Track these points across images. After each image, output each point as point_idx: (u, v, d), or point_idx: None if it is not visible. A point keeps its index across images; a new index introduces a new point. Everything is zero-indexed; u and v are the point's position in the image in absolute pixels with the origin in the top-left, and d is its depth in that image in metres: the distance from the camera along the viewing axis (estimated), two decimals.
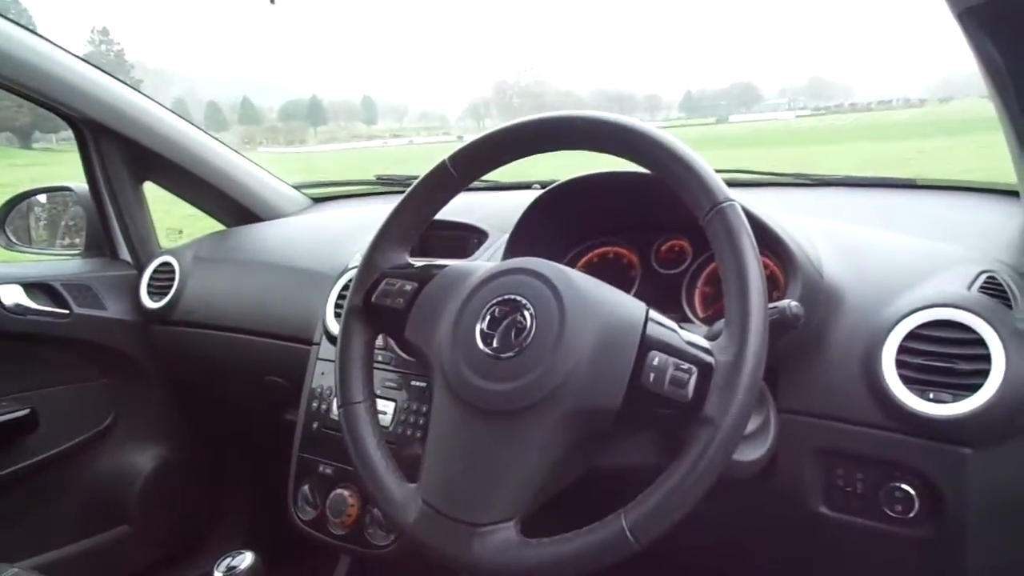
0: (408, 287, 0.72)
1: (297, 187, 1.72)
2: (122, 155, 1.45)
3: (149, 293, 1.44)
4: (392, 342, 1.03)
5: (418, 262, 0.76)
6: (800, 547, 0.85)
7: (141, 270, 1.48)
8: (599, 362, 0.60)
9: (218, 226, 1.60)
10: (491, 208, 1.18)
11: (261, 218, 1.58)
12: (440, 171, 0.74)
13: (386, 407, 1.00)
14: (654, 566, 0.94)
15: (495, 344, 0.63)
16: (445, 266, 0.73)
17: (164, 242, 1.58)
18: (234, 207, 1.57)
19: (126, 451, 1.49)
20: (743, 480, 0.71)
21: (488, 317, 0.65)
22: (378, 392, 1.01)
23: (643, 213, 0.95)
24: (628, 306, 0.64)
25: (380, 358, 1.03)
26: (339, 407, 0.73)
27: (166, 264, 1.45)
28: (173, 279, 1.42)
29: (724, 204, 0.60)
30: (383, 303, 0.73)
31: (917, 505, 0.74)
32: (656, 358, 0.59)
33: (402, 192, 0.77)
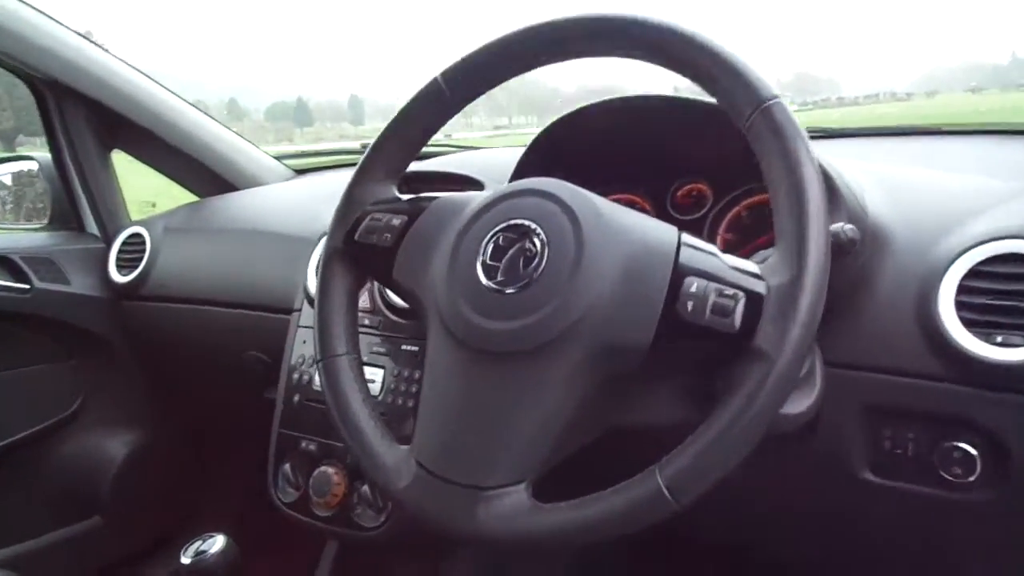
0: (396, 221, 0.63)
1: (278, 158, 1.62)
2: (88, 120, 1.35)
3: (118, 267, 1.34)
4: (380, 303, 0.93)
5: (407, 196, 0.66)
6: (840, 517, 0.76)
7: (109, 243, 1.37)
8: (625, 291, 0.51)
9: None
10: (487, 162, 1.08)
11: (238, 188, 1.48)
12: (430, 90, 0.64)
13: (374, 375, 0.90)
14: (675, 537, 0.85)
15: (500, 277, 0.54)
16: (437, 197, 0.64)
17: (136, 215, 1.48)
18: (209, 177, 1.46)
19: (96, 437, 1.38)
20: (783, 437, 0.62)
21: (491, 246, 0.55)
22: (365, 359, 0.91)
23: (657, 155, 0.86)
24: (657, 229, 0.54)
25: (367, 321, 0.93)
26: (318, 361, 0.63)
27: (136, 236, 1.35)
28: (143, 251, 1.32)
29: (770, 102, 0.50)
30: (367, 241, 0.64)
31: (979, 466, 0.65)
32: (694, 284, 0.50)
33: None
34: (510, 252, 0.54)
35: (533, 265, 0.53)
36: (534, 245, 0.54)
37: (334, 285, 0.65)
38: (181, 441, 1.47)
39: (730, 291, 0.48)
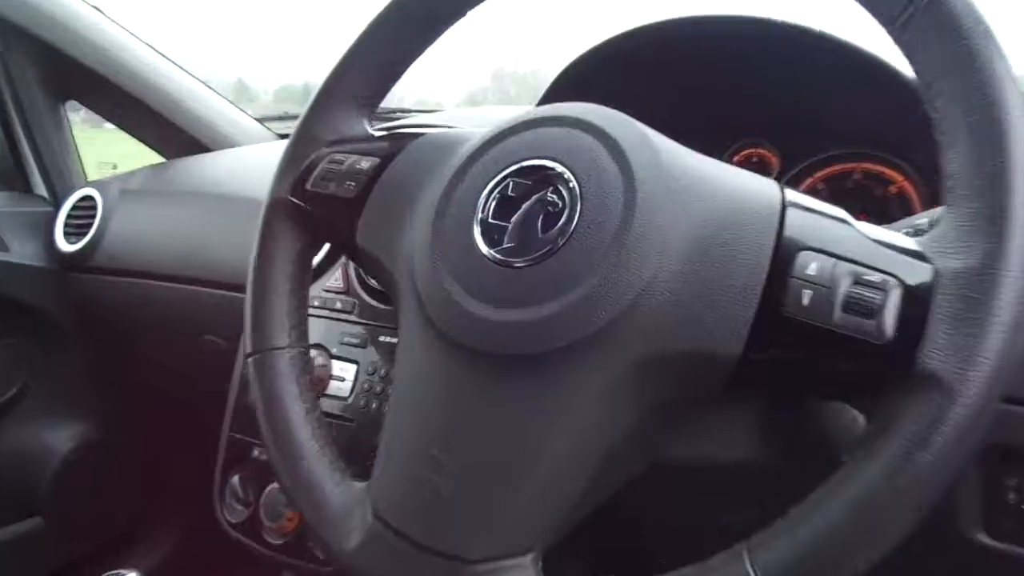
0: (364, 164, 0.45)
1: (261, 120, 1.44)
2: (36, 66, 1.17)
3: (66, 234, 1.16)
4: (356, 282, 0.76)
5: (382, 131, 0.49)
6: None
7: (58, 206, 1.19)
8: (701, 271, 0.33)
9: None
10: (488, 118, 0.90)
11: (210, 151, 1.30)
12: None
13: (345, 371, 0.72)
14: None
15: (507, 243, 0.36)
16: (423, 133, 0.46)
17: (94, 176, 1.31)
18: (177, 136, 1.28)
19: (38, 427, 1.20)
20: None
21: (496, 199, 0.38)
22: (334, 351, 0.74)
23: (718, 105, 0.68)
24: (748, 180, 0.37)
25: (339, 305, 0.76)
26: (248, 355, 0.46)
27: (88, 199, 1.17)
28: (95, 217, 1.14)
29: None
30: (324, 191, 0.46)
31: None
32: (813, 264, 0.32)
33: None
34: (524, 207, 0.37)
35: (558, 227, 0.35)
36: (560, 197, 0.36)
37: (276, 251, 0.48)
38: (133, 436, 1.29)
39: (875, 276, 0.31)
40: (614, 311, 0.33)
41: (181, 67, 1.30)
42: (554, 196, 0.36)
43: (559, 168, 0.37)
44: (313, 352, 0.73)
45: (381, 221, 0.43)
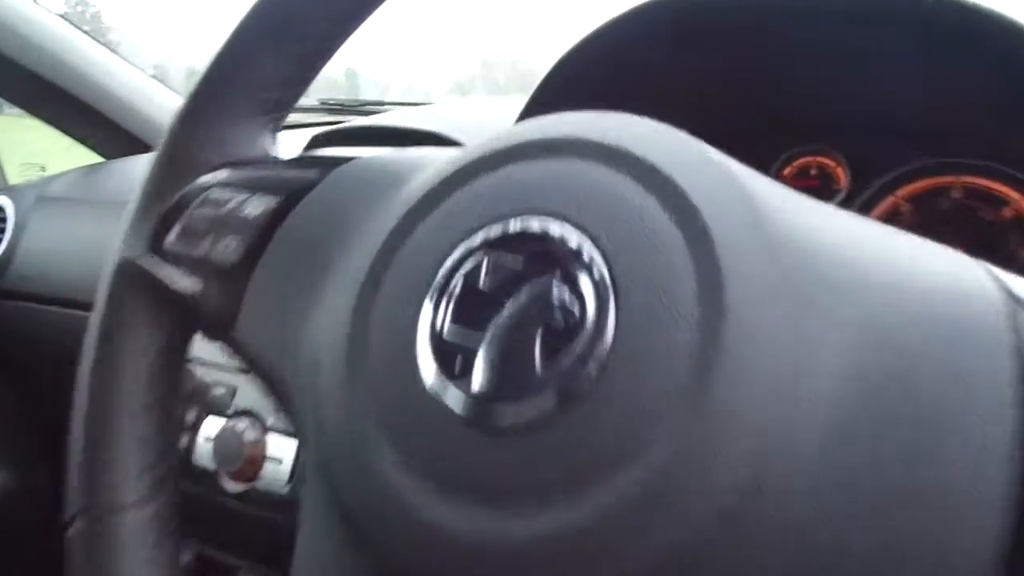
0: (254, 210, 0.29)
1: None
2: None
3: None
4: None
5: (290, 154, 0.32)
6: None
7: None
8: (866, 455, 0.17)
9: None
10: (471, 117, 0.74)
11: (153, 149, 1.13)
12: None
13: (283, 449, 0.56)
14: None
15: (479, 376, 0.19)
16: (352, 158, 0.30)
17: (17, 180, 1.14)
18: (115, 133, 1.11)
19: None
20: None
21: (459, 287, 0.21)
22: (269, 422, 0.57)
23: (753, 101, 0.52)
24: (925, 255, 0.20)
25: None
26: (67, 522, 0.30)
27: None
28: (5, 230, 0.97)
29: None
30: (191, 252, 0.30)
31: None
32: None
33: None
34: (509, 310, 0.20)
35: (575, 353, 0.18)
36: (575, 293, 0.19)
37: (121, 348, 0.31)
38: (62, 487, 1.13)
39: None
40: (688, 533, 0.16)
41: (118, 54, 1.14)
42: (564, 289, 0.19)
43: (573, 238, 0.20)
44: (243, 424, 0.57)
45: (275, 303, 0.27)
